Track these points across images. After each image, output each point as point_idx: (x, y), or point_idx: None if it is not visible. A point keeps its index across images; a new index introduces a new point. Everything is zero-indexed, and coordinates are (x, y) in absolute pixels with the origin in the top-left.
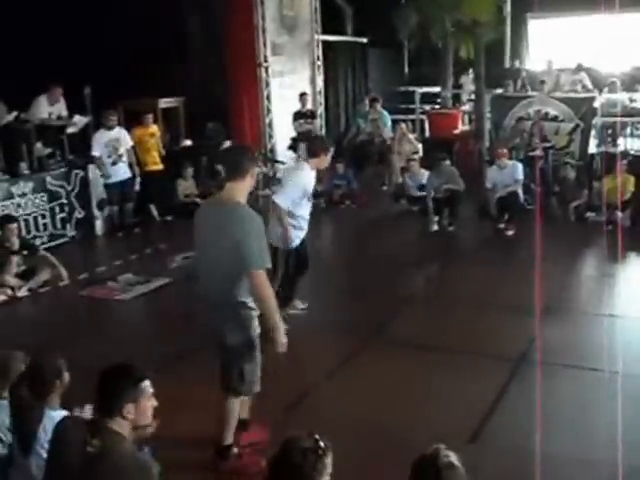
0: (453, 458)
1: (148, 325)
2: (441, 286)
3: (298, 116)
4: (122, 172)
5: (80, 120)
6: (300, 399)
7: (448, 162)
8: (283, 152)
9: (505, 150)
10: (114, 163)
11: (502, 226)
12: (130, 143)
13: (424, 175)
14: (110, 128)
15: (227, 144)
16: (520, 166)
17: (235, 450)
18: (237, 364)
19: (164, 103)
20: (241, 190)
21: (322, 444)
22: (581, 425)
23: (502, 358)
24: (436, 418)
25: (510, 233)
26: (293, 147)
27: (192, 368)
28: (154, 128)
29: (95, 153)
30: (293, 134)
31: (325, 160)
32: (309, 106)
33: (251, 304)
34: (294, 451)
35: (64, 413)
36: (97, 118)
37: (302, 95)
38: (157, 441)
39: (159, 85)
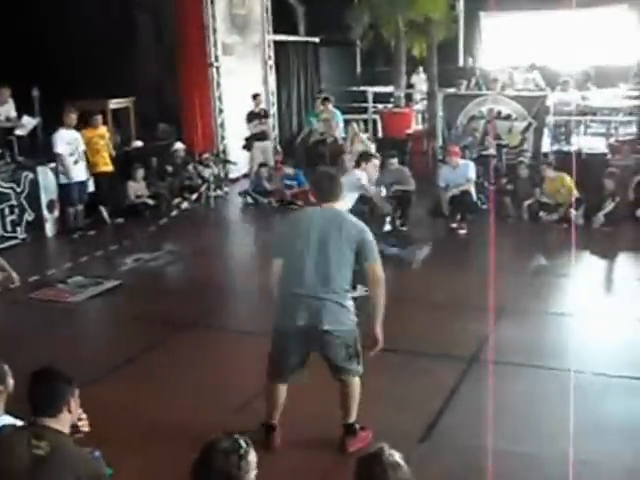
0: (397, 457)
1: (98, 327)
2: (393, 286)
3: (252, 117)
4: (82, 172)
5: (29, 122)
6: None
7: (396, 160)
8: (235, 153)
9: (457, 149)
10: (76, 162)
11: (455, 225)
12: (82, 146)
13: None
14: (71, 127)
15: (178, 145)
16: (472, 165)
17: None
18: (349, 349)
19: (114, 104)
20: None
21: (243, 442)
22: (532, 422)
23: (454, 358)
24: (386, 418)
25: (463, 232)
26: (247, 147)
27: (140, 371)
28: (104, 129)
29: (58, 150)
30: (246, 134)
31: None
32: (262, 106)
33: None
34: (215, 454)
35: (9, 419)
36: (46, 120)
37: (255, 96)
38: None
39: (109, 85)
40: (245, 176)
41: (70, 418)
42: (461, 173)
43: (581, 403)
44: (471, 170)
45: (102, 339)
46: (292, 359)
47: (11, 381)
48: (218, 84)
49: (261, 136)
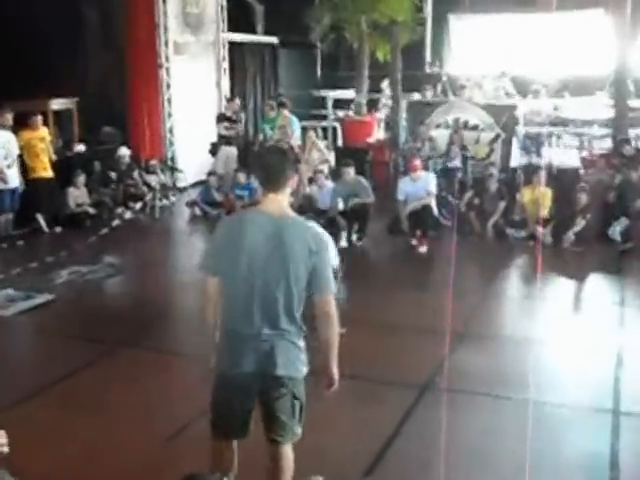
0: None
1: (25, 345)
2: (345, 307)
3: (222, 118)
4: (15, 178)
5: None
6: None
7: (352, 170)
8: (185, 159)
9: (418, 161)
10: (9, 167)
11: (414, 242)
12: (17, 150)
13: (331, 186)
14: (5, 128)
15: (122, 150)
16: (433, 177)
17: None
18: (295, 401)
19: (56, 104)
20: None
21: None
22: (486, 455)
23: (407, 385)
24: (331, 448)
25: (423, 250)
26: (213, 152)
27: (66, 394)
28: (44, 131)
29: None
30: (196, 140)
31: None
32: (230, 110)
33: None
34: None
35: None
36: None
37: (230, 99)
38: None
39: (51, 85)
40: (201, 183)
41: None
42: (421, 186)
43: (539, 436)
44: (432, 183)
45: (29, 358)
46: (241, 411)
47: None
48: (168, 86)
49: (229, 140)
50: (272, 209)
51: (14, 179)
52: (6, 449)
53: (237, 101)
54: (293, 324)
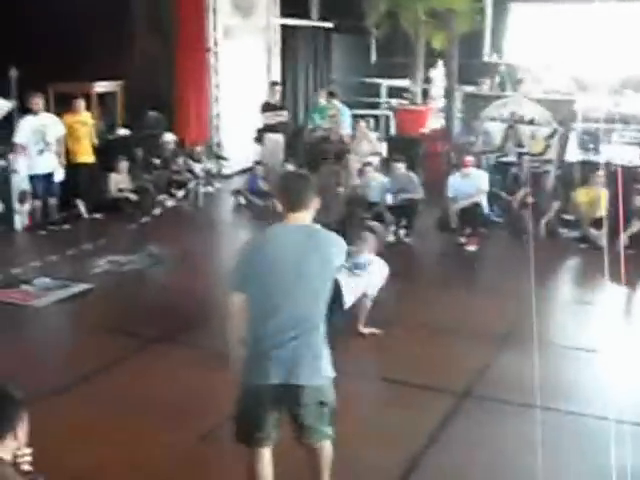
0: None
1: (59, 336)
2: (390, 308)
3: (267, 107)
4: (49, 163)
5: (3, 105)
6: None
7: (403, 165)
8: (231, 146)
9: (471, 158)
10: (41, 152)
11: (463, 240)
12: (62, 131)
13: (381, 180)
14: (36, 114)
15: (167, 136)
16: (485, 175)
17: None
18: (323, 407)
19: (100, 87)
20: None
21: None
22: (524, 470)
23: (446, 391)
24: (364, 454)
25: (472, 248)
26: (258, 139)
27: (98, 388)
28: (86, 115)
29: (18, 140)
30: (247, 125)
31: None
32: (275, 97)
33: None
34: None
35: None
36: (23, 103)
37: (273, 84)
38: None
39: (96, 68)
40: (246, 171)
41: (15, 445)
42: (472, 183)
43: (578, 450)
44: (483, 180)
45: (62, 350)
46: (267, 422)
47: None
48: (216, 71)
49: (275, 128)
50: (299, 222)
51: (46, 164)
52: (27, 466)
53: (278, 87)
54: (316, 332)
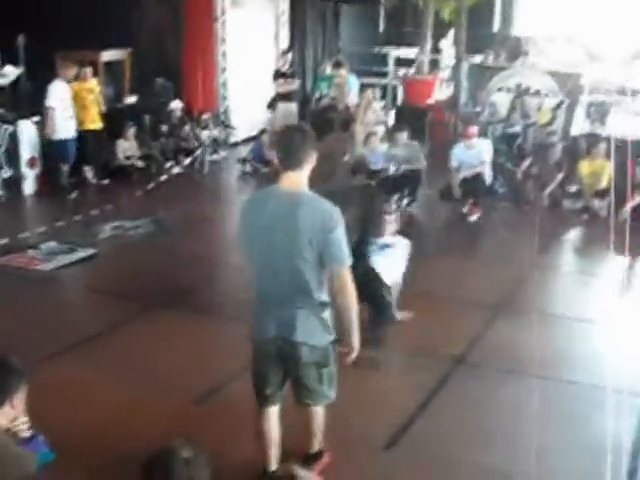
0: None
1: (64, 299)
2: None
3: (278, 75)
4: (74, 129)
5: (11, 72)
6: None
7: (405, 134)
8: (238, 115)
9: (475, 128)
10: (70, 118)
11: (465, 210)
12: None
13: (384, 149)
14: (68, 80)
15: (175, 103)
16: (488, 145)
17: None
18: (322, 369)
19: (107, 56)
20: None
21: (200, 453)
22: (512, 436)
23: (437, 359)
24: (354, 419)
25: (473, 218)
26: (271, 106)
27: (100, 350)
28: (93, 83)
29: (51, 104)
30: (251, 95)
31: None
32: (286, 65)
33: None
34: (176, 462)
35: None
36: (31, 70)
37: (284, 53)
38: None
39: (103, 36)
40: (253, 139)
41: (11, 413)
42: (475, 154)
43: (568, 418)
44: (486, 151)
45: (65, 313)
46: (271, 379)
47: None
48: (223, 40)
49: (287, 97)
50: (290, 186)
51: (72, 130)
52: (26, 433)
53: (289, 55)
54: (312, 295)
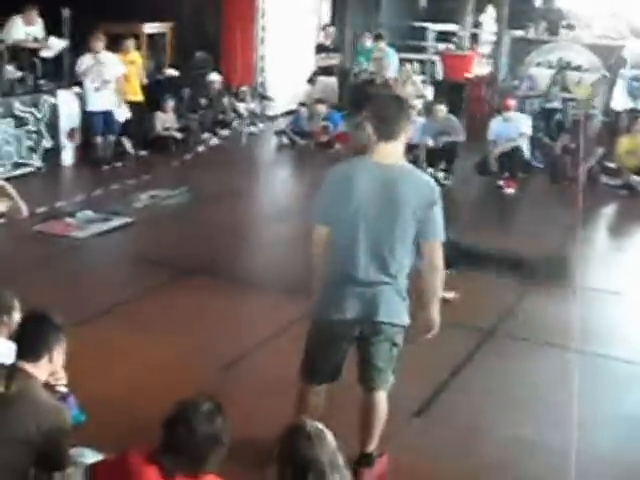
0: (321, 428)
1: (99, 266)
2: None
3: (320, 49)
4: (106, 101)
5: (56, 43)
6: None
7: (444, 107)
8: (277, 88)
9: (513, 101)
10: (97, 89)
11: (501, 183)
12: (122, 71)
13: (420, 122)
14: (95, 52)
15: (213, 76)
16: (527, 118)
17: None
18: (394, 348)
19: (149, 28)
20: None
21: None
22: (541, 407)
23: (469, 330)
24: None
25: (510, 191)
26: (311, 81)
27: (133, 315)
28: (135, 55)
29: (79, 70)
30: (290, 68)
31: None
32: (329, 39)
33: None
34: (197, 414)
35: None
36: (75, 42)
37: (325, 27)
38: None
39: (146, 9)
40: (291, 113)
41: (50, 367)
42: (513, 126)
43: (596, 390)
44: (525, 124)
45: (101, 278)
46: (333, 358)
47: (17, 315)
48: (263, 13)
49: (327, 71)
50: (385, 158)
51: (105, 103)
52: (63, 389)
53: (331, 29)
54: (400, 273)
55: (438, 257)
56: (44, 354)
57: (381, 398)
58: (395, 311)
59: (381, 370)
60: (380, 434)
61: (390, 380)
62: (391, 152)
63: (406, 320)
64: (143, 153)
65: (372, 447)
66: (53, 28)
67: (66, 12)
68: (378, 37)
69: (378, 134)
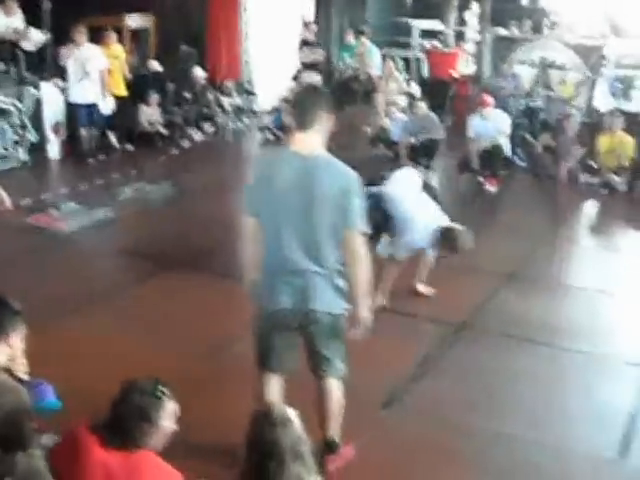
0: (289, 414)
1: (81, 259)
2: None
3: (303, 45)
4: (88, 94)
5: (37, 36)
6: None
7: (424, 105)
8: (263, 84)
9: (489, 98)
10: (79, 81)
11: (482, 180)
12: (104, 64)
13: (402, 119)
14: (77, 44)
15: (198, 70)
16: (506, 117)
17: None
18: (336, 337)
19: (132, 21)
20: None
21: (163, 389)
22: (512, 400)
23: (443, 322)
24: (356, 377)
25: (491, 189)
26: (297, 78)
27: (114, 307)
28: (118, 49)
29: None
30: (275, 64)
31: None
32: (312, 35)
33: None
34: (134, 393)
35: None
36: (56, 35)
37: (307, 24)
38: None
39: (129, 2)
40: (276, 109)
41: (8, 351)
42: (492, 124)
43: (568, 385)
44: (504, 122)
45: (83, 271)
46: (282, 346)
47: None
48: (245, 7)
49: (311, 67)
50: (301, 148)
51: (88, 95)
52: (24, 376)
53: (313, 26)
54: (327, 262)
55: (357, 248)
56: (9, 337)
57: (333, 385)
58: (328, 299)
59: (328, 359)
60: (344, 423)
61: (340, 368)
62: (306, 141)
63: (342, 307)
64: (128, 147)
65: (333, 434)
66: (33, 20)
67: (47, 4)
68: (360, 33)
69: (295, 123)
